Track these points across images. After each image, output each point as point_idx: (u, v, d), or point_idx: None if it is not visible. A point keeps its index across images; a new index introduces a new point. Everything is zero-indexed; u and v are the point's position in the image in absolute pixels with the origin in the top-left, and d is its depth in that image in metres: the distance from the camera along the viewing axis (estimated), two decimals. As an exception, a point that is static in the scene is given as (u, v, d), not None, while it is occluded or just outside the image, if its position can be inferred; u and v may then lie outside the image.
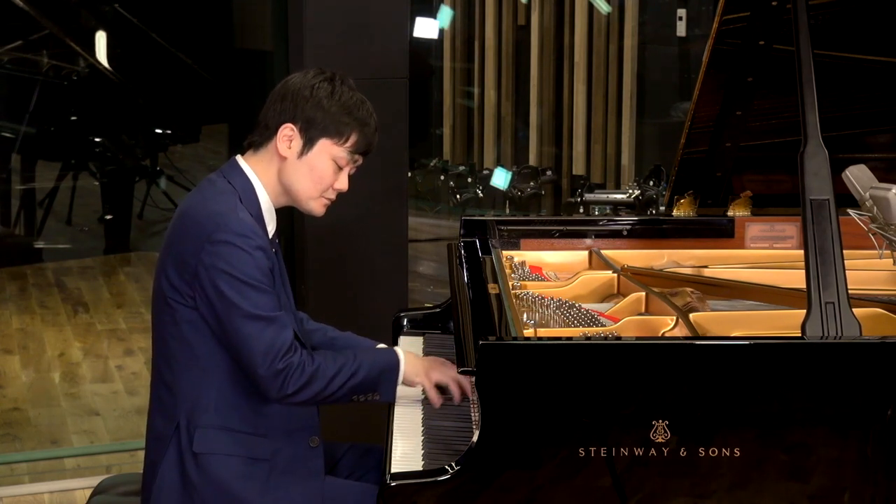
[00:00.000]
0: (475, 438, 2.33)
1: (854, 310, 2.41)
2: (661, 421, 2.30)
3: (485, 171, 8.22)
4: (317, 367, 2.60)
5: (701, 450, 2.31)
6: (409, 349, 2.97)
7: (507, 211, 7.78)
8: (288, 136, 2.64)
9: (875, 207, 2.81)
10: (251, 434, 2.64)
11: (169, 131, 7.60)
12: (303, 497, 2.66)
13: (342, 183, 2.70)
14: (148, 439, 2.72)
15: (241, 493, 2.61)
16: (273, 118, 2.66)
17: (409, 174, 6.24)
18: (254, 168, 2.67)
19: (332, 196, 2.72)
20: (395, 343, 3.14)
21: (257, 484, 2.62)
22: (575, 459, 2.30)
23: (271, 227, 2.70)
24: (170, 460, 2.63)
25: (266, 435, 2.65)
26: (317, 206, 2.72)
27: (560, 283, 3.13)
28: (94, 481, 3.19)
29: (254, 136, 2.70)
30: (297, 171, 2.66)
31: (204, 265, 2.55)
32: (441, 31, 8.40)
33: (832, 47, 3.09)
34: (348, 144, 2.66)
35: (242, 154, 2.71)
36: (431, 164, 8.43)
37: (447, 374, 2.76)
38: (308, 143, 2.64)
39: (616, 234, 3.37)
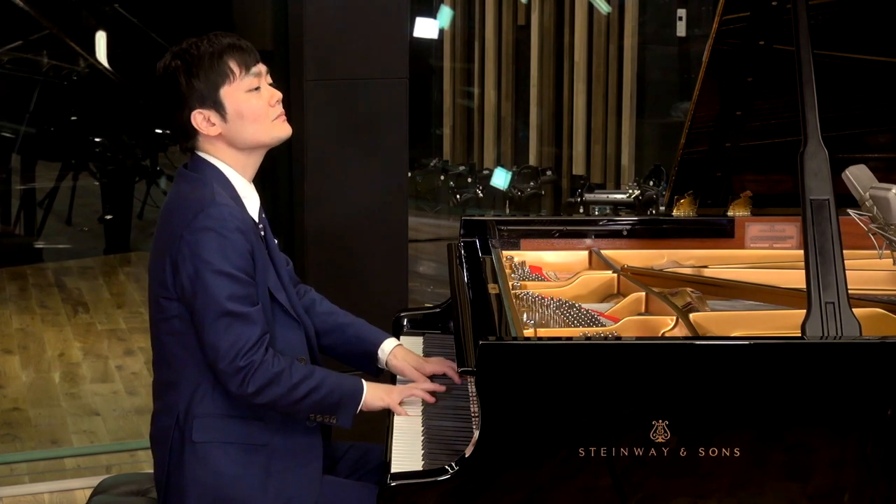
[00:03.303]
0: (475, 438, 2.33)
1: (854, 310, 2.41)
2: (661, 421, 2.30)
3: (485, 171, 8.22)
4: (280, 370, 2.58)
5: (701, 450, 2.31)
6: (409, 349, 2.97)
7: (507, 211, 7.78)
8: (204, 119, 2.64)
9: (875, 207, 2.81)
10: (248, 419, 2.64)
11: (169, 131, 7.60)
12: (302, 482, 2.66)
13: (271, 95, 2.68)
14: (153, 442, 2.73)
15: (242, 481, 2.62)
16: (179, 123, 2.66)
17: (409, 174, 6.24)
18: (211, 154, 2.68)
19: (278, 110, 2.69)
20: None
21: (257, 471, 2.63)
22: (575, 459, 2.30)
23: (253, 205, 2.70)
24: (174, 454, 2.64)
25: (263, 419, 2.65)
26: (278, 131, 2.70)
27: (560, 283, 3.13)
28: (94, 481, 3.19)
29: (182, 143, 2.71)
30: (237, 129, 2.65)
31: (182, 253, 2.55)
32: (441, 31, 8.40)
33: (832, 47, 3.09)
34: (238, 73, 2.64)
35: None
36: (431, 164, 8.43)
37: (408, 388, 2.77)
38: (218, 107, 2.63)
39: (616, 234, 3.36)
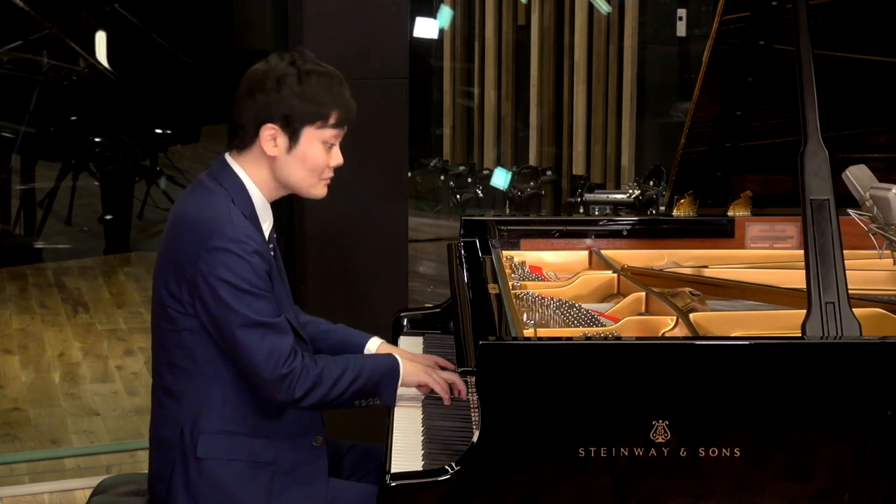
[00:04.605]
0: (475, 438, 2.33)
1: (854, 310, 2.41)
2: (661, 421, 2.30)
3: (485, 171, 8.22)
4: (321, 370, 2.60)
5: (701, 450, 2.31)
6: (409, 349, 2.97)
7: (507, 211, 7.78)
8: (271, 136, 2.59)
9: (875, 207, 2.81)
10: (254, 437, 2.63)
11: (169, 131, 7.60)
12: (307, 499, 2.65)
13: (337, 159, 2.66)
14: (152, 447, 2.72)
15: (246, 497, 2.61)
16: (249, 120, 2.60)
17: (409, 174, 6.24)
18: (243, 167, 2.64)
19: (331, 174, 2.68)
20: (395, 343, 3.15)
21: (262, 488, 2.62)
22: (575, 459, 2.30)
23: (267, 225, 2.68)
24: (177, 468, 2.63)
25: (269, 437, 2.64)
26: (319, 190, 2.68)
27: (560, 283, 3.13)
28: (94, 481, 3.19)
29: (235, 139, 2.64)
30: (290, 165, 2.62)
31: (202, 274, 2.53)
32: (441, 31, 8.40)
33: (832, 47, 3.09)
34: (331, 123, 2.61)
35: (229, 150, 2.68)
36: (431, 164, 8.43)
37: (444, 375, 2.76)
38: (293, 138, 2.59)
39: (616, 234, 3.37)
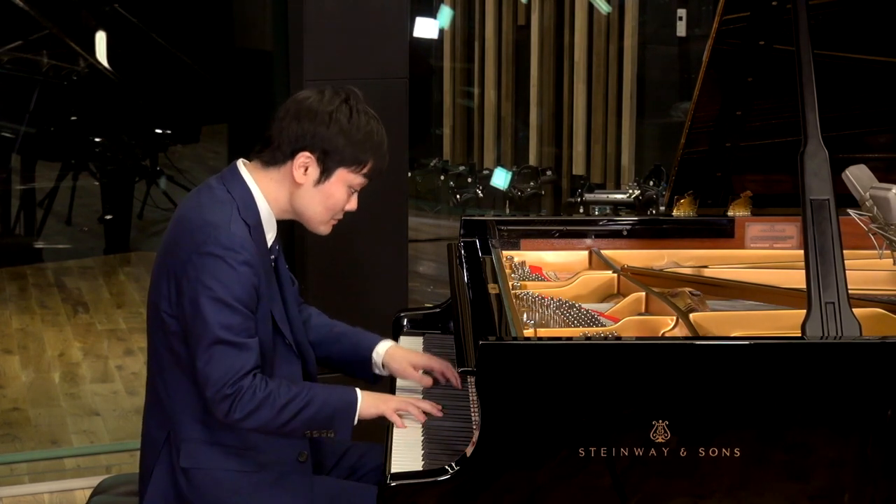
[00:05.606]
0: (475, 438, 2.33)
1: (854, 310, 2.41)
2: (661, 421, 2.30)
3: (485, 171, 8.22)
4: (267, 394, 2.53)
5: (701, 450, 2.31)
6: (408, 349, 2.96)
7: (507, 211, 7.78)
8: (304, 164, 2.59)
9: (875, 207, 2.81)
10: (239, 448, 2.62)
11: (169, 131, 7.60)
12: (293, 495, 2.65)
13: (353, 204, 2.68)
14: (143, 443, 2.72)
15: (236, 501, 2.61)
16: (287, 141, 2.60)
17: (409, 174, 6.24)
18: (259, 180, 2.63)
19: (341, 216, 2.70)
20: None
21: (248, 496, 2.62)
22: (575, 459, 2.30)
23: (270, 235, 2.67)
24: (161, 470, 2.63)
25: (255, 448, 2.63)
26: (325, 228, 2.70)
27: (560, 283, 3.13)
28: (94, 481, 3.19)
29: (264, 153, 2.63)
30: (312, 198, 2.63)
31: (188, 276, 2.52)
32: (441, 31, 8.40)
33: (832, 47, 3.09)
34: (365, 171, 2.63)
35: (249, 159, 2.67)
36: (431, 164, 8.43)
37: (405, 400, 2.70)
38: (325, 173, 2.61)
39: (616, 234, 3.36)
